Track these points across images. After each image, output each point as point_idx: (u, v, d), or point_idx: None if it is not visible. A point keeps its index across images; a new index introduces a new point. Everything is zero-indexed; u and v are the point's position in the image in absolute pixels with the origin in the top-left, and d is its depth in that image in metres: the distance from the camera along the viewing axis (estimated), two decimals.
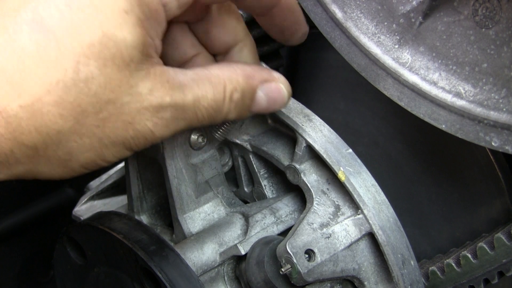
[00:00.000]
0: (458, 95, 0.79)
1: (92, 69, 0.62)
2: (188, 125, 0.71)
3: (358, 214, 0.86)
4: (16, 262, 1.48)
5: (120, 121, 0.65)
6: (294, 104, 0.92)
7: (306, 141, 0.87)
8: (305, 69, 1.19)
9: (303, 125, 0.88)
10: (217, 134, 0.87)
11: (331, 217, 0.86)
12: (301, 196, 0.93)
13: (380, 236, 0.84)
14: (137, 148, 0.69)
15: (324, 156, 0.86)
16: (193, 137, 0.88)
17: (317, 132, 0.88)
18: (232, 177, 1.01)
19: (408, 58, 0.82)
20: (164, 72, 0.68)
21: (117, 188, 1.11)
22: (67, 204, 1.42)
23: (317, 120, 0.90)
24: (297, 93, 1.17)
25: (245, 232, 0.89)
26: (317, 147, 0.87)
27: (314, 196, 0.87)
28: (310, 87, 1.18)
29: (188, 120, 0.70)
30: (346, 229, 0.86)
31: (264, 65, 0.89)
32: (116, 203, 1.10)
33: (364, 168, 0.87)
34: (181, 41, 0.80)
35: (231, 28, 0.81)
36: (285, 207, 0.92)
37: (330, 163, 0.86)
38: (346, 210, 0.87)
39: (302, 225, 0.85)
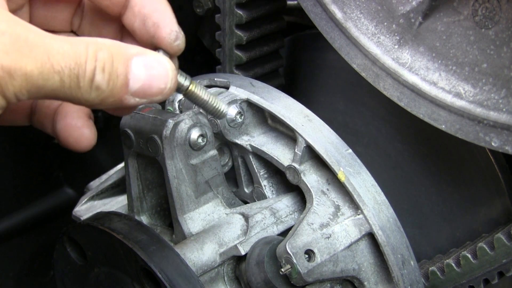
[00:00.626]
0: (458, 95, 0.79)
1: None
2: (41, 73, 0.62)
3: (358, 215, 0.86)
4: (16, 262, 1.48)
5: None
6: (294, 104, 0.92)
7: (306, 142, 0.87)
8: (305, 70, 1.19)
9: (303, 125, 0.88)
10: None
11: (331, 217, 0.86)
12: (301, 197, 0.93)
13: (380, 237, 0.84)
14: None
15: (324, 156, 0.86)
16: (193, 137, 0.88)
17: (317, 132, 0.88)
18: (232, 177, 1.01)
19: (408, 59, 0.82)
20: (4, 9, 0.63)
21: (117, 188, 1.11)
22: (67, 204, 1.42)
23: (317, 120, 0.90)
24: (297, 93, 1.17)
25: (245, 232, 0.89)
26: (317, 147, 0.87)
27: (314, 197, 0.87)
28: (310, 87, 1.18)
29: (40, 65, 0.62)
30: (346, 229, 0.86)
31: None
32: (116, 203, 1.10)
33: (364, 168, 0.87)
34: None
35: None
36: (285, 207, 0.92)
37: (330, 163, 0.86)
38: (346, 210, 0.87)
39: (302, 226, 0.85)
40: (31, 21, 0.78)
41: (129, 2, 0.76)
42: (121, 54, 0.68)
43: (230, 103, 0.92)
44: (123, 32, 0.81)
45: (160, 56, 0.71)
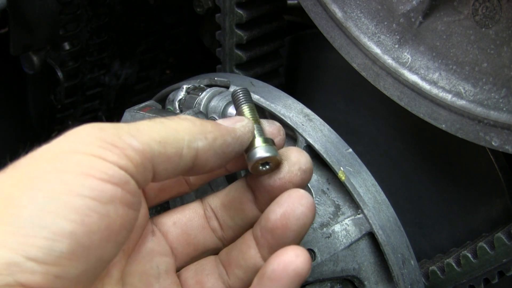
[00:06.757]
0: (458, 94, 0.79)
1: None
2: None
3: (358, 214, 0.86)
4: None
5: None
6: (294, 103, 0.92)
7: (306, 141, 0.87)
8: (305, 69, 1.19)
9: (303, 124, 0.88)
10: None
11: (331, 216, 0.86)
12: None
13: (380, 236, 0.84)
14: None
15: (324, 155, 0.86)
16: None
17: (317, 131, 0.88)
18: (232, 177, 1.01)
19: (408, 58, 0.82)
20: None
21: None
22: None
23: (317, 120, 0.90)
24: (297, 93, 1.17)
25: None
26: (317, 146, 0.87)
27: (314, 196, 0.87)
28: (310, 87, 1.18)
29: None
30: (346, 229, 0.86)
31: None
32: None
33: (364, 168, 0.87)
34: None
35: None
36: None
37: (330, 162, 0.86)
38: (346, 209, 0.87)
39: None
40: None
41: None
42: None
43: (230, 102, 0.92)
44: None
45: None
